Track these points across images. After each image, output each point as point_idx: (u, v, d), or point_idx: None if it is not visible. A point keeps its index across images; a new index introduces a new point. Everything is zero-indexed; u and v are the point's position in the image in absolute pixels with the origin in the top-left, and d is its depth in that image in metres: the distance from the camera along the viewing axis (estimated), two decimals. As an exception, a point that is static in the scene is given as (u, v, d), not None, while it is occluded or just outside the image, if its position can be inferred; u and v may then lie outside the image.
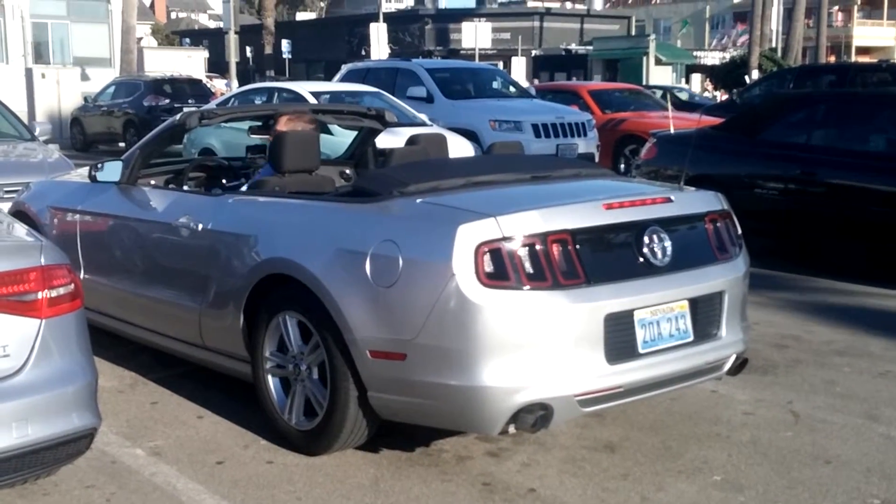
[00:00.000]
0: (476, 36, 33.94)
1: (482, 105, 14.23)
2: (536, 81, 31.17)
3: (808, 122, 8.50)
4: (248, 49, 48.39)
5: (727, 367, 4.26)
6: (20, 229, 3.67)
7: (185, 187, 5.54)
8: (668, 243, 3.97)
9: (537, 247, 3.65)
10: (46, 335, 3.20)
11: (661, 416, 4.67)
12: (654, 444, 4.34)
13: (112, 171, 5.39)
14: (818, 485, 3.92)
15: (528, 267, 3.63)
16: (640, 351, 3.84)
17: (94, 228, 5.60)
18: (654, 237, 3.95)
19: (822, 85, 16.10)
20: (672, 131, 9.73)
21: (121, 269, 5.33)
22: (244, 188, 5.24)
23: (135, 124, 20.00)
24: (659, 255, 3.94)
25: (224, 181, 5.72)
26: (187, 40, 54.35)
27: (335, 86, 13.86)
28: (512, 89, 15.98)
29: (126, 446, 4.34)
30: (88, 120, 21.55)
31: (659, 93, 21.97)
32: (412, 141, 5.47)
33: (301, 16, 62.10)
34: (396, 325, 3.75)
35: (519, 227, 3.65)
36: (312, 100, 11.57)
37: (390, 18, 44.38)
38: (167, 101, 20.36)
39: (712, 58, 48.62)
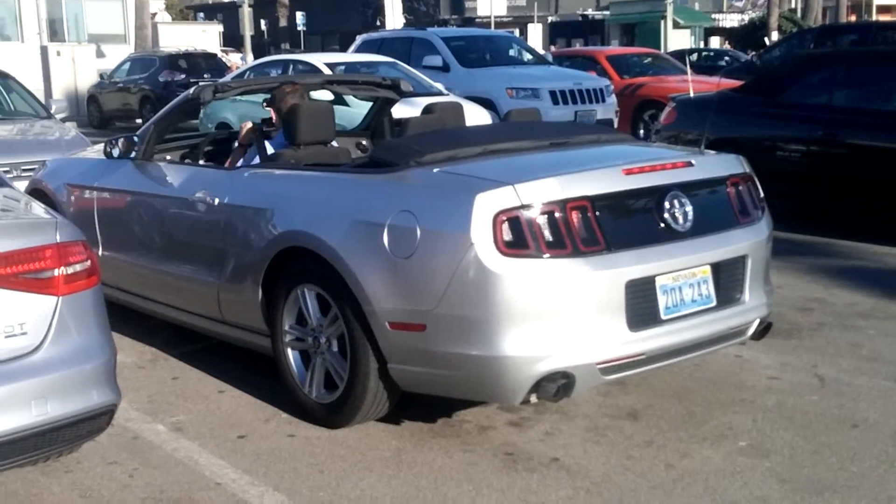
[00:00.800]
0: (491, 3, 33.62)
1: (499, 73, 14.10)
2: (553, 48, 30.86)
3: (830, 83, 8.33)
4: (262, 22, 48.28)
5: (751, 331, 4.20)
6: (36, 207, 3.65)
7: (201, 161, 5.51)
8: (689, 208, 3.91)
9: (556, 214, 3.61)
10: (64, 312, 3.18)
11: (685, 383, 4.63)
12: (677, 411, 4.30)
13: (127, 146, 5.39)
14: (845, 449, 3.87)
15: (547, 235, 3.58)
16: (663, 317, 3.79)
17: (110, 205, 5.59)
18: (675, 202, 3.89)
19: (844, 44, 15.84)
20: (691, 95, 9.61)
21: (139, 245, 5.32)
22: (238, 162, 5.19)
23: (151, 100, 19.99)
24: (680, 219, 3.88)
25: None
26: (201, 15, 54.21)
27: (350, 57, 13.76)
28: (528, 56, 15.82)
29: (147, 422, 4.34)
30: (105, 97, 21.56)
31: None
32: (428, 110, 5.40)
33: (315, -13, 61.67)
34: (415, 295, 3.72)
35: (537, 194, 3.60)
36: (328, 71, 11.50)
37: (404, -12, 44.05)
38: (183, 76, 20.32)
39: (731, 20, 48.03)
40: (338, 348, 4.13)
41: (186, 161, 5.61)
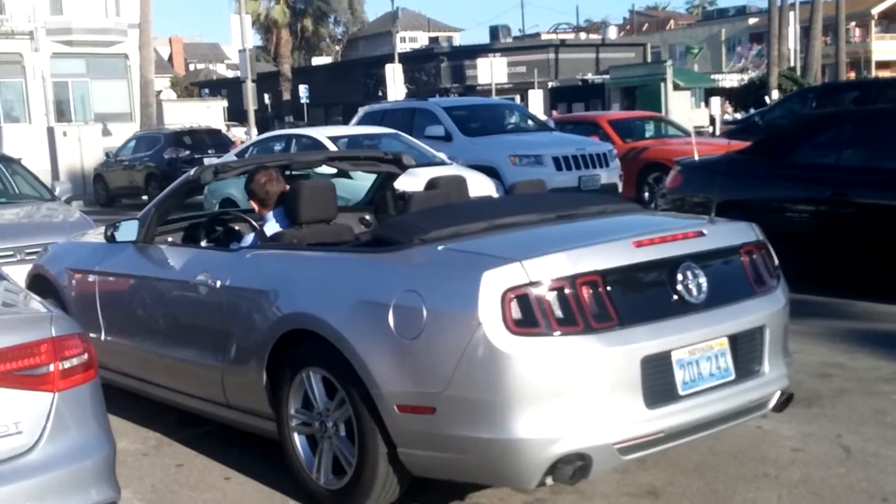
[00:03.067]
0: (492, 71, 33.92)
1: (501, 140, 14.11)
2: (555, 113, 31.08)
3: (837, 142, 8.27)
4: (266, 96, 48.75)
5: (772, 403, 4.07)
6: (32, 301, 3.56)
7: (203, 243, 5.43)
8: (702, 279, 3.81)
9: (566, 290, 3.50)
10: (61, 408, 3.07)
11: (705, 457, 4.48)
12: (699, 488, 4.15)
13: (128, 230, 5.30)
14: (878, 526, 3.71)
15: (557, 311, 3.48)
16: (681, 393, 3.67)
17: (112, 289, 5.50)
18: (688, 273, 3.79)
19: (846, 102, 15.85)
20: (696, 158, 9.58)
21: (141, 329, 5.22)
22: (237, 245, 5.08)
23: (156, 177, 20.11)
24: (694, 291, 3.78)
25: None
26: (206, 91, 54.94)
27: (353, 129, 13.82)
28: (530, 123, 15.87)
29: (151, 515, 4.21)
30: (111, 175, 21.72)
31: None
32: (431, 185, 5.31)
33: (317, 61, 62.54)
34: (423, 377, 3.61)
35: (546, 270, 3.51)
36: (331, 145, 11.53)
37: (405, 58, 44.65)
38: (187, 152, 20.46)
39: (730, 80, 48.40)
40: (345, 432, 4.01)
41: (188, 243, 5.54)
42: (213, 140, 21.60)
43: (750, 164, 8.79)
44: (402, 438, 3.73)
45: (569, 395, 3.46)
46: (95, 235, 6.24)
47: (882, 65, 55.46)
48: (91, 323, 5.46)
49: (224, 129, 28.76)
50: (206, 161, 14.86)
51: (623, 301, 3.61)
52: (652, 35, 65.09)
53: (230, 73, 72.14)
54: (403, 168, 5.99)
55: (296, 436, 4.23)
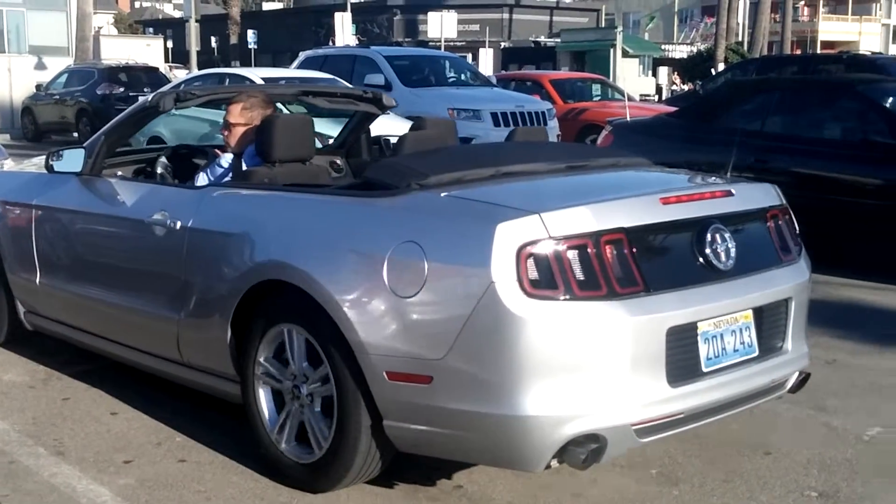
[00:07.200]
0: (442, 26, 33.67)
1: (441, 93, 14.02)
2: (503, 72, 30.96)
3: (763, 109, 8.35)
4: (212, 39, 47.83)
5: (790, 384, 3.73)
6: None
7: (158, 178, 4.90)
8: (731, 244, 3.43)
9: (589, 249, 3.09)
10: None
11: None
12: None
13: (73, 160, 4.71)
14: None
15: (578, 273, 3.06)
16: (704, 369, 3.29)
17: (51, 226, 4.90)
18: (717, 236, 3.40)
19: (785, 75, 16.01)
20: (628, 119, 9.58)
21: (83, 273, 4.67)
22: (200, 180, 4.54)
23: (88, 113, 19.61)
24: (723, 257, 3.39)
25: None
26: (150, 30, 53.66)
27: (289, 72, 13.58)
28: (472, 78, 15.77)
29: (28, 445, 4.07)
30: (40, 109, 21.10)
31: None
32: (418, 126, 4.69)
33: (268, 6, 61.50)
34: (421, 342, 3.19)
35: (567, 225, 3.08)
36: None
37: (358, 9, 44.13)
38: (122, 89, 19.95)
39: (680, 51, 48.68)
40: (321, 407, 3.56)
41: (139, 178, 4.97)
42: (150, 78, 21.00)
43: (679, 127, 8.83)
44: (391, 410, 3.30)
45: (586, 368, 3.07)
46: (32, 165, 5.64)
47: (827, 45, 56.16)
48: (24, 263, 5.00)
49: (167, 70, 28.12)
50: (141, 99, 14.41)
51: (648, 264, 3.22)
52: (607, 1, 64.99)
53: (177, 14, 70.46)
54: (383, 109, 5.43)
55: (260, 388, 3.75)
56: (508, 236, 3.04)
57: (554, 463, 3.11)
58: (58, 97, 20.67)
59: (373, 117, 5.53)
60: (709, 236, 3.38)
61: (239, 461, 3.88)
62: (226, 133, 4.64)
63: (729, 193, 3.60)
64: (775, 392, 3.68)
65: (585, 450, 3.08)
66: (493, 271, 3.03)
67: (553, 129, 13.87)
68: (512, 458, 3.17)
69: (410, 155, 4.19)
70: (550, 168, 3.80)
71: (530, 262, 3.03)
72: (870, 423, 4.36)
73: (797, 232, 3.91)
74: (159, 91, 4.91)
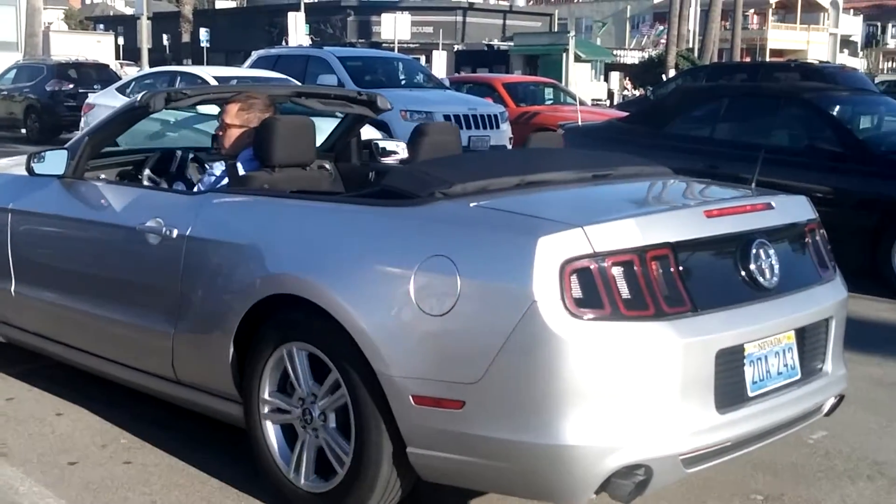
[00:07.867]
0: (396, 28, 33.67)
1: (393, 95, 13.66)
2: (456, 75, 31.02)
3: (712, 116, 8.49)
4: (164, 37, 47.29)
5: (826, 408, 3.55)
6: None
7: (146, 183, 4.67)
8: (775, 260, 3.27)
9: (635, 266, 2.90)
10: None
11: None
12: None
13: (55, 162, 4.40)
14: None
15: (624, 291, 2.88)
16: (749, 394, 3.12)
17: (30, 232, 4.60)
18: (762, 252, 3.24)
19: (734, 82, 16.27)
20: (580, 123, 9.67)
21: (65, 284, 4.37)
22: (201, 186, 4.28)
23: (37, 110, 19.33)
24: (767, 274, 3.23)
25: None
26: (101, 26, 52.89)
27: (242, 71, 13.48)
28: (425, 80, 15.80)
29: (-30, 447, 4.00)
30: (-14, 105, 20.69)
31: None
32: (421, 132, 4.46)
33: (221, 4, 60.98)
34: (452, 364, 2.96)
35: (612, 239, 2.89)
36: (215, 84, 11.17)
37: (311, 9, 43.92)
38: (71, 86, 19.62)
39: (632, 57, 49.29)
40: (336, 423, 3.31)
41: (125, 182, 4.68)
42: (100, 75, 20.63)
43: (630, 132, 8.93)
44: (416, 436, 3.05)
45: (633, 393, 2.88)
46: (10, 167, 5.19)
47: (776, 53, 57.12)
48: (0, 272, 4.66)
49: (118, 68, 27.73)
50: (91, 96, 14.17)
51: (694, 282, 3.03)
52: (560, 6, 65.45)
53: (129, 11, 69.53)
54: (378, 111, 5.13)
55: (268, 424, 3.51)
56: (551, 251, 2.85)
57: (593, 496, 2.93)
58: (6, 93, 20.30)
59: (364, 120, 5.29)
60: (753, 252, 3.23)
61: (187, 462, 3.85)
62: (220, 133, 4.47)
63: (769, 206, 3.45)
64: (814, 416, 3.51)
65: (631, 482, 2.89)
66: (534, 289, 2.83)
67: (505, 131, 13.95)
68: (552, 491, 2.95)
69: (428, 162, 3.97)
70: (577, 177, 3.61)
71: (574, 279, 2.84)
72: (814, 427, 4.43)
73: (829, 247, 3.73)
74: (150, 91, 4.68)
